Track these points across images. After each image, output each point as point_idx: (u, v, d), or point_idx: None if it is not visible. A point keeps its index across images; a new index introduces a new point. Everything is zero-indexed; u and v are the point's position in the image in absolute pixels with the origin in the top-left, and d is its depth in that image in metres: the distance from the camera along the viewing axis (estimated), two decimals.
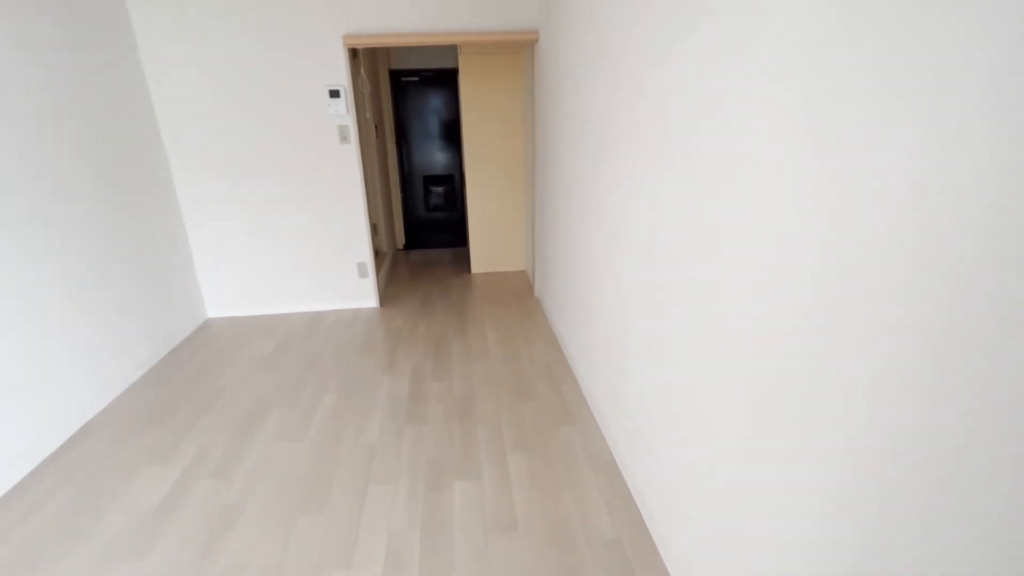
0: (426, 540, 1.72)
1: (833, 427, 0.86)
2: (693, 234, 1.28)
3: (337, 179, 3.40)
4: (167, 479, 2.03)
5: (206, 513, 1.86)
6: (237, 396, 2.61)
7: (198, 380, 2.77)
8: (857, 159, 0.77)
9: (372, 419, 2.39)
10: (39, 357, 2.16)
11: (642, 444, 1.77)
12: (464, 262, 4.76)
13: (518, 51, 3.84)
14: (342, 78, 3.18)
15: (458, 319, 3.50)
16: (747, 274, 1.07)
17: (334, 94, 3.19)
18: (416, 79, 4.94)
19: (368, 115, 4.18)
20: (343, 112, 3.24)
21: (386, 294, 4.04)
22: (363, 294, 3.73)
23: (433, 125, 5.14)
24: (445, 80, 4.96)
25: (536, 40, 3.19)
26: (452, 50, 4.79)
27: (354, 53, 3.64)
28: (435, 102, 5.05)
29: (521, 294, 3.92)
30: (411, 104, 5.04)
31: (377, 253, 4.43)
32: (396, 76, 4.90)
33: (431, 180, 5.33)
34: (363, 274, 3.67)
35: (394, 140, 5.09)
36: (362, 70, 3.89)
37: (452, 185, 5.35)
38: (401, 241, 5.40)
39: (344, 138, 3.31)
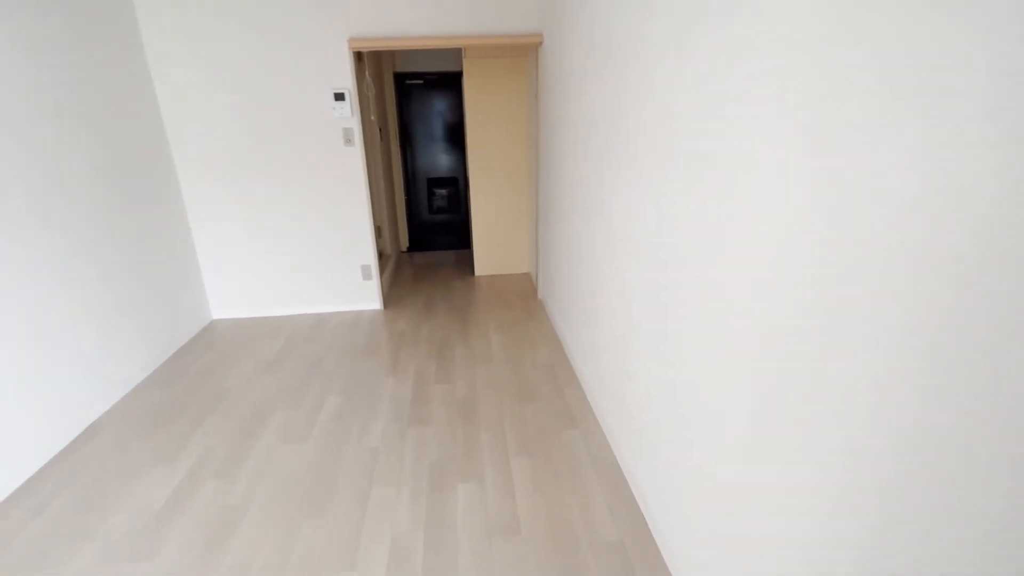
0: (429, 543, 1.72)
1: (834, 427, 0.86)
2: (699, 234, 1.28)
3: (342, 181, 3.42)
4: (171, 480, 2.04)
5: (210, 514, 1.86)
6: (241, 397, 2.62)
7: (203, 381, 2.79)
8: (858, 159, 0.77)
9: (375, 421, 2.39)
10: (44, 358, 2.18)
11: (645, 446, 1.77)
12: (468, 264, 4.76)
13: (522, 54, 3.85)
14: (347, 81, 3.20)
15: (461, 321, 3.51)
16: (752, 274, 1.07)
17: (339, 97, 3.20)
18: (420, 82, 4.96)
19: (373, 118, 4.20)
20: (348, 115, 3.25)
21: (390, 296, 4.05)
22: (367, 296, 3.74)
23: (437, 128, 5.15)
24: (449, 83, 4.98)
25: (540, 43, 3.20)
26: (456, 53, 4.81)
27: (359, 56, 3.66)
28: (439, 105, 5.07)
29: (525, 296, 3.92)
30: (415, 107, 5.06)
31: (381, 255, 4.44)
32: (400, 79, 4.92)
33: (435, 182, 5.34)
34: (367, 276, 3.68)
35: (398, 143, 5.11)
36: (367, 73, 3.91)
37: (456, 187, 5.37)
38: (405, 243, 5.41)
39: (349, 141, 3.33)
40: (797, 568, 1.00)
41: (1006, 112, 0.57)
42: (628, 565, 1.61)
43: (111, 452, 2.22)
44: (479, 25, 3.18)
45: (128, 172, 2.80)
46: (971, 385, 0.63)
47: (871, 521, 0.80)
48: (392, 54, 4.83)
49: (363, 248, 3.60)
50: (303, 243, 3.54)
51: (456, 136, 5.16)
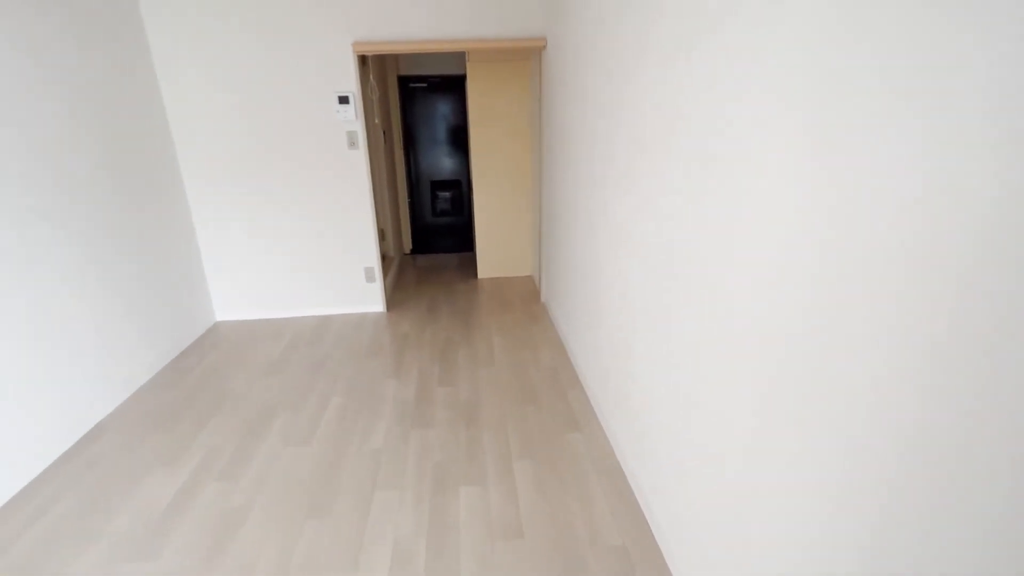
0: (432, 546, 1.71)
1: (835, 427, 0.86)
2: (702, 236, 1.29)
3: (346, 184, 3.43)
4: (175, 482, 2.05)
5: (213, 516, 1.87)
6: (245, 399, 2.63)
7: (206, 383, 2.80)
8: (858, 159, 0.77)
9: (378, 423, 2.40)
10: (48, 360, 2.19)
11: (647, 448, 1.77)
12: (471, 267, 4.77)
13: (525, 58, 3.86)
14: (351, 84, 3.22)
15: (464, 324, 3.51)
16: (754, 274, 1.07)
17: (343, 100, 3.22)
18: (424, 85, 4.98)
19: (377, 121, 4.22)
20: (352, 118, 3.27)
21: (393, 299, 4.06)
22: (370, 298, 3.75)
23: (441, 131, 5.17)
24: (453, 86, 4.99)
25: (544, 47, 3.21)
26: (460, 57, 4.83)
27: (363, 60, 3.67)
28: (443, 108, 5.09)
29: (527, 299, 3.92)
30: (419, 110, 5.08)
31: (384, 258, 4.45)
32: (405, 82, 4.94)
33: (438, 185, 5.35)
34: (370, 279, 3.69)
35: (402, 145, 5.13)
36: (371, 76, 3.92)
37: (459, 190, 5.38)
38: (408, 246, 5.42)
39: (353, 144, 3.34)
40: (798, 569, 0.99)
41: (1006, 112, 0.57)
42: (630, 568, 1.61)
43: (115, 454, 2.22)
44: (483, 29, 3.19)
45: (134, 175, 2.81)
46: (971, 385, 0.63)
47: (871, 521, 0.80)
48: (396, 57, 4.85)
49: (366, 250, 3.61)
50: (307, 245, 3.56)
51: (459, 139, 5.17)
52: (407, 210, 5.33)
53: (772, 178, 0.98)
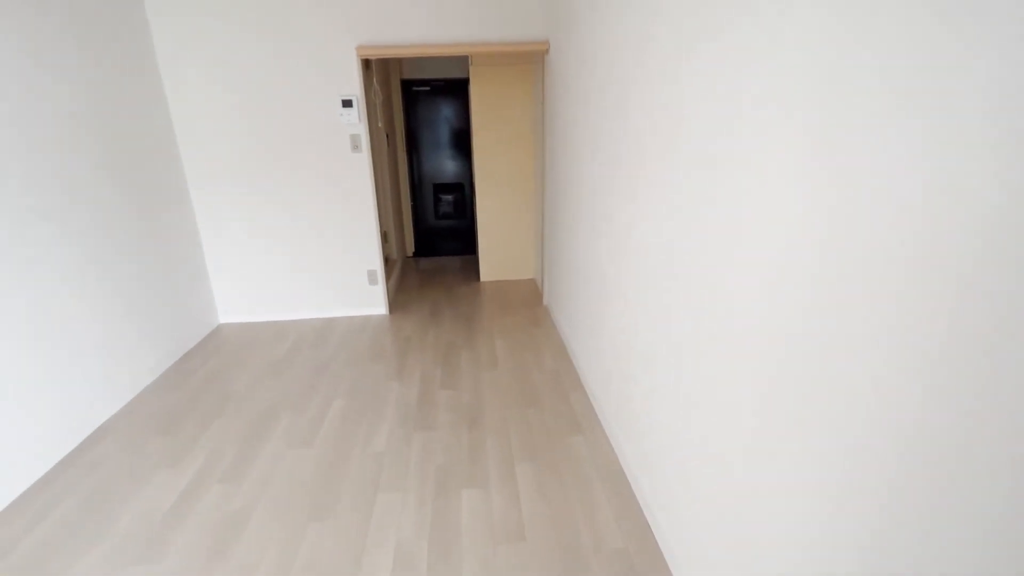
0: (434, 549, 1.71)
1: (836, 428, 0.86)
2: (704, 238, 1.29)
3: (349, 187, 3.45)
4: (178, 484, 2.05)
5: (216, 518, 1.87)
6: (248, 401, 2.63)
7: (209, 385, 2.80)
8: (858, 159, 0.77)
9: (381, 426, 2.40)
10: (51, 362, 2.20)
11: (649, 451, 1.77)
12: (473, 270, 4.77)
13: (528, 61, 3.88)
14: (355, 88, 3.23)
15: (467, 327, 3.51)
16: (755, 276, 1.07)
17: (347, 103, 3.23)
18: (427, 89, 5.00)
19: (380, 124, 4.23)
20: (355, 121, 3.28)
21: (396, 301, 4.07)
22: (373, 301, 3.75)
23: (444, 134, 5.19)
24: (456, 90, 5.01)
25: (546, 51, 3.22)
26: (463, 60, 4.84)
27: (367, 63, 3.69)
28: (446, 111, 5.10)
29: (530, 302, 3.92)
30: (422, 113, 5.10)
31: (387, 260, 4.46)
32: (408, 86, 4.96)
33: (441, 188, 5.37)
34: (373, 281, 3.70)
35: (405, 149, 5.14)
36: (374, 80, 3.94)
37: (462, 193, 5.39)
38: (411, 249, 5.43)
39: (356, 147, 3.36)
40: (798, 569, 1.00)
41: (1006, 112, 0.57)
42: (633, 572, 1.60)
43: (118, 455, 2.23)
44: (486, 33, 3.21)
45: (138, 178, 2.83)
46: (971, 385, 0.63)
47: (872, 521, 0.80)
48: (399, 61, 4.87)
49: (369, 253, 3.62)
50: (310, 248, 3.57)
51: (462, 142, 5.19)
52: (410, 213, 5.35)
53: (773, 179, 0.98)
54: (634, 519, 1.80)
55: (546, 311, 3.73)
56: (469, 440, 2.27)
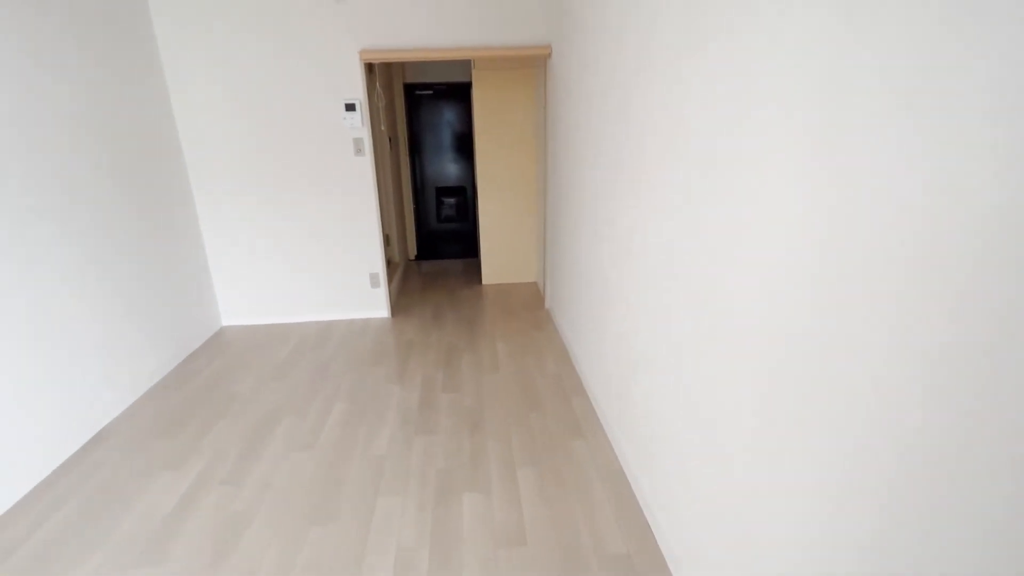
0: (435, 553, 1.71)
1: (835, 428, 0.86)
2: (706, 242, 1.29)
3: (351, 190, 3.45)
4: (179, 486, 2.05)
5: (217, 521, 1.87)
6: (250, 404, 2.64)
7: (212, 387, 2.81)
8: (859, 160, 0.78)
9: (382, 429, 2.40)
10: (55, 363, 2.20)
11: (651, 455, 1.76)
12: (475, 273, 4.78)
13: (530, 65, 3.89)
14: (358, 92, 3.24)
15: (469, 330, 3.51)
16: (755, 280, 1.08)
17: (350, 107, 3.24)
18: (430, 92, 5.01)
19: (383, 128, 4.24)
20: (358, 125, 3.29)
21: (397, 304, 4.07)
22: (375, 304, 3.76)
23: (446, 137, 5.20)
24: (459, 94, 5.02)
25: (549, 55, 3.23)
26: (466, 64, 4.86)
27: (370, 68, 3.70)
28: (448, 115, 5.12)
29: (532, 306, 3.92)
30: (425, 117, 5.11)
31: (389, 263, 4.47)
32: (411, 89, 4.97)
33: (443, 191, 5.38)
34: (375, 284, 3.70)
35: (408, 152, 5.15)
36: (377, 84, 3.95)
37: (464, 197, 5.40)
38: (413, 252, 5.44)
39: (359, 150, 3.37)
40: (798, 569, 1.00)
41: (1006, 113, 0.57)
42: (634, 574, 1.60)
43: (120, 457, 2.23)
44: (488, 37, 3.22)
45: (141, 181, 2.84)
46: (971, 385, 0.63)
47: (872, 521, 0.80)
48: (402, 65, 4.89)
49: (372, 256, 3.63)
50: (312, 251, 3.58)
51: (465, 146, 5.20)
52: (412, 216, 5.36)
53: (774, 180, 0.99)
54: (635, 522, 1.80)
55: (548, 314, 3.73)
56: (470, 444, 2.27)
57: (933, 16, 0.65)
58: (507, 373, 2.89)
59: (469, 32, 3.20)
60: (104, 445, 2.32)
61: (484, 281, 4.46)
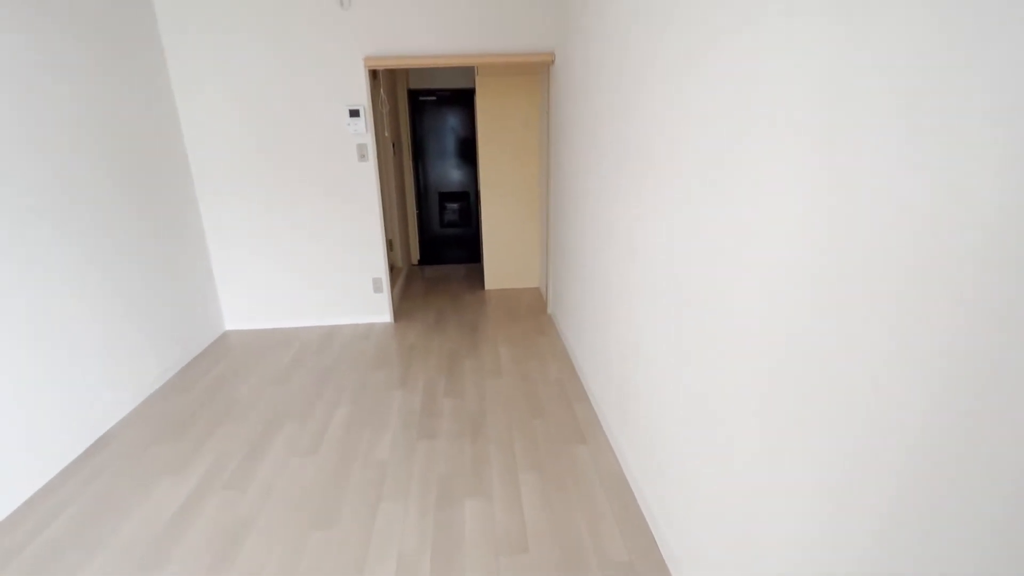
0: (436, 559, 1.71)
1: (836, 428, 0.87)
2: (709, 249, 1.29)
3: (355, 196, 3.47)
4: (182, 491, 2.05)
5: (219, 526, 1.87)
6: (252, 408, 2.64)
7: (215, 391, 2.81)
8: (860, 161, 0.78)
9: (384, 434, 2.40)
10: (58, 367, 2.21)
11: (653, 461, 1.76)
12: (478, 278, 4.78)
13: (534, 72, 3.90)
14: (362, 98, 3.26)
15: (471, 335, 3.52)
16: (760, 280, 1.08)
17: (354, 113, 3.26)
18: (434, 99, 5.03)
19: (386, 133, 4.26)
20: (362, 131, 3.31)
21: (400, 309, 4.08)
22: (378, 309, 3.76)
23: (449, 143, 5.22)
24: (462, 99, 5.04)
25: (552, 62, 3.25)
26: (469, 71, 4.88)
27: (374, 74, 3.73)
28: (452, 121, 5.14)
29: (534, 311, 3.93)
30: (428, 122, 5.13)
31: (392, 268, 4.48)
32: (414, 95, 4.99)
33: (446, 197, 5.39)
34: (378, 289, 3.71)
35: (411, 157, 5.17)
36: (381, 90, 3.98)
37: (467, 202, 5.41)
38: (416, 257, 5.45)
39: (363, 156, 3.38)
40: (799, 569, 1.00)
41: (1007, 112, 0.58)
42: None
43: (123, 461, 2.24)
44: (492, 44, 3.24)
45: (146, 185, 2.86)
46: (972, 385, 0.63)
47: (872, 522, 0.80)
48: (406, 71, 4.91)
49: (375, 261, 3.64)
50: (316, 255, 3.59)
51: (468, 151, 5.21)
52: (415, 221, 5.37)
53: (775, 181, 1.00)
54: (638, 531, 1.79)
55: (550, 320, 3.73)
56: (472, 449, 2.27)
57: (933, 16, 0.65)
58: (509, 378, 2.89)
59: (473, 39, 3.22)
60: (107, 449, 2.32)
61: (487, 286, 4.47)
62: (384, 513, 1.91)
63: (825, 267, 0.86)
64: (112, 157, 2.58)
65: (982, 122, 0.60)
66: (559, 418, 2.49)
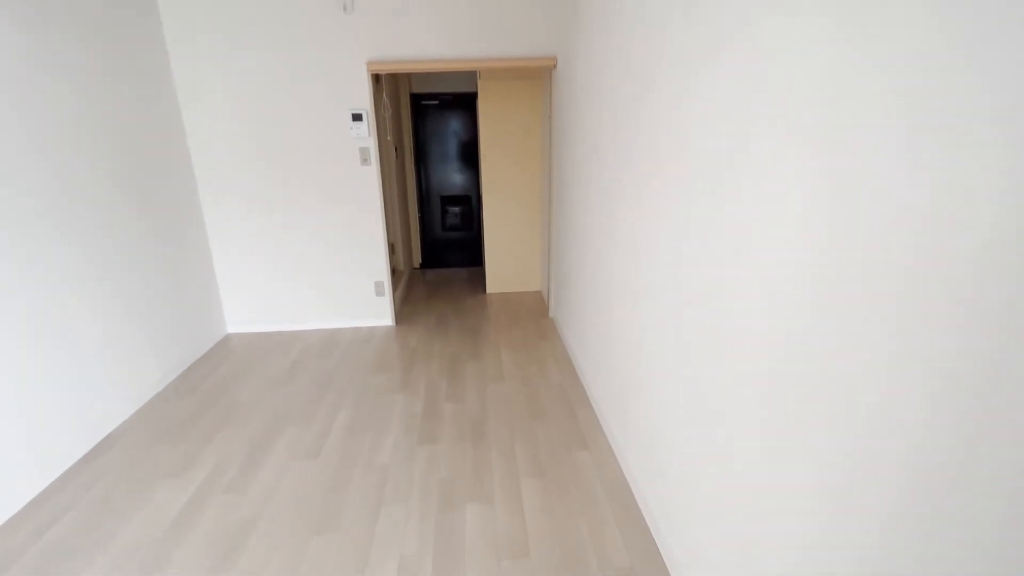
0: (437, 564, 1.70)
1: (836, 429, 0.86)
2: (710, 245, 1.29)
3: (357, 200, 3.48)
4: (183, 494, 2.05)
5: (220, 529, 1.87)
6: (254, 411, 2.64)
7: (217, 394, 2.82)
8: (862, 161, 0.78)
9: (386, 438, 2.39)
10: (61, 369, 2.22)
11: (655, 467, 1.75)
12: (480, 282, 4.78)
13: (536, 76, 3.92)
14: (365, 102, 3.28)
15: (473, 339, 3.51)
16: (759, 283, 1.08)
17: (357, 117, 3.28)
18: (436, 103, 5.06)
19: (389, 137, 4.28)
20: (365, 135, 3.32)
21: (402, 313, 4.08)
22: (379, 312, 3.77)
23: (451, 147, 5.23)
24: (464, 104, 5.06)
25: (554, 66, 3.26)
26: (471, 75, 4.90)
27: (376, 78, 3.74)
28: (454, 125, 5.16)
29: (536, 315, 3.92)
30: (430, 127, 5.15)
31: (394, 272, 4.48)
32: (416, 99, 5.02)
33: (448, 200, 5.40)
34: (380, 293, 3.71)
35: (413, 161, 5.19)
36: (384, 94, 3.99)
37: (469, 206, 5.42)
38: (418, 260, 5.45)
39: (365, 160, 3.39)
40: (798, 569, 1.00)
41: (1008, 113, 0.57)
42: None
43: (125, 464, 2.24)
44: (494, 48, 3.25)
45: (148, 187, 2.87)
46: (972, 385, 0.63)
47: (872, 522, 0.80)
48: (408, 76, 4.94)
49: (377, 265, 3.64)
50: (318, 259, 3.59)
51: (470, 155, 5.23)
52: (417, 225, 5.38)
53: (775, 181, 1.00)
54: (640, 536, 1.78)
55: (552, 324, 3.73)
56: (474, 454, 2.26)
57: (933, 16, 0.65)
58: (511, 383, 2.89)
59: (475, 43, 3.23)
60: (109, 452, 2.32)
61: (488, 290, 4.47)
62: (385, 517, 1.90)
63: (825, 267, 0.86)
64: (113, 157, 2.59)
65: (982, 122, 0.60)
66: (560, 422, 2.48)
